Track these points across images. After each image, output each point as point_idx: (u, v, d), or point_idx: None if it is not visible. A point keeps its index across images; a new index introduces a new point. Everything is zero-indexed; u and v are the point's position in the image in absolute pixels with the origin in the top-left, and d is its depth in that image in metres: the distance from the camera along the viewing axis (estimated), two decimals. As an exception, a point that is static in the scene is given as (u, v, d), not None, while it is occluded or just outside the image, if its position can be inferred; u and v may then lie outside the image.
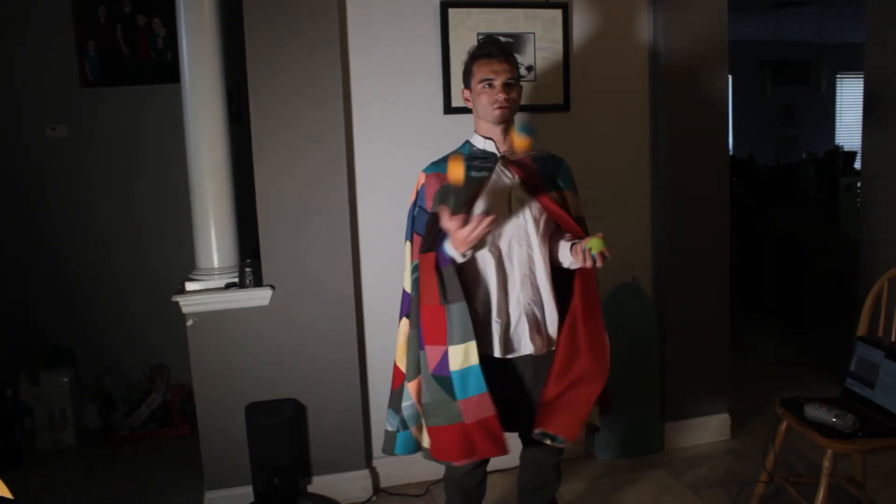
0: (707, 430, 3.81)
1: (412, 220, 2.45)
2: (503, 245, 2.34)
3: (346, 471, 3.37)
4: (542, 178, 2.41)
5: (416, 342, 2.38)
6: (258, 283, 3.18)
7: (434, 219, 2.32)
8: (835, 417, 2.63)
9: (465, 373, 2.25)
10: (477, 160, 2.39)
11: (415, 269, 2.39)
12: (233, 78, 3.27)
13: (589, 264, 2.23)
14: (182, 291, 3.16)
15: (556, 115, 3.48)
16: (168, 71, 4.25)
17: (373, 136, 3.32)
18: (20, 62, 4.31)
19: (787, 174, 7.45)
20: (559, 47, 3.44)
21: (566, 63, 3.47)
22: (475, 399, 2.26)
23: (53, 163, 4.39)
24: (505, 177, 2.37)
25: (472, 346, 2.24)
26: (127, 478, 3.75)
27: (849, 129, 10.56)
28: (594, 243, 2.20)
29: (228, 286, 3.19)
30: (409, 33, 3.31)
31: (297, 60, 3.13)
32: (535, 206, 2.35)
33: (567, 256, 2.35)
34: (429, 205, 2.38)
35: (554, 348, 2.39)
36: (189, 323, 3.15)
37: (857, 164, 5.80)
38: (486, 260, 2.33)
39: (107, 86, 4.40)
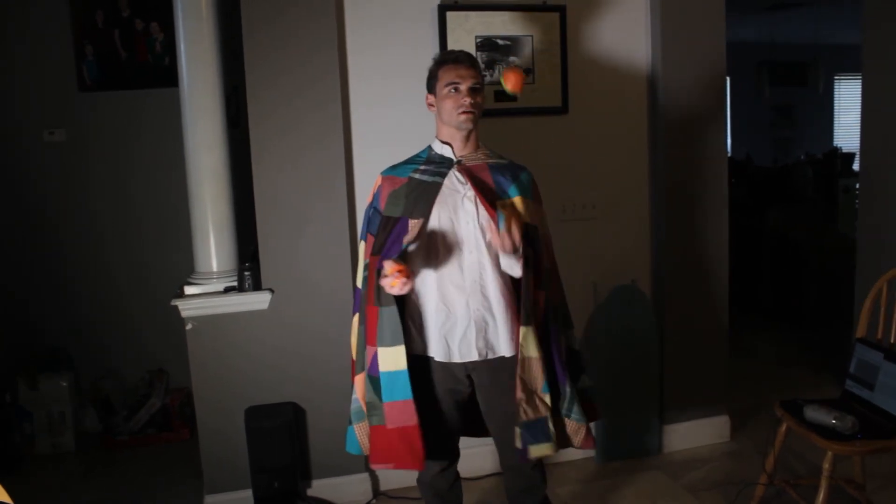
0: (706, 432, 3.81)
1: (367, 221, 2.47)
2: (453, 252, 2.34)
3: (345, 474, 3.37)
4: (494, 185, 2.39)
5: (363, 338, 2.41)
6: (257, 286, 3.18)
7: (387, 221, 2.36)
8: (834, 419, 2.64)
9: (392, 376, 2.29)
10: (433, 164, 2.41)
11: (365, 267, 2.43)
12: (231, 81, 3.27)
13: (500, 246, 2.21)
14: (181, 295, 3.17)
15: (554, 118, 3.49)
16: (166, 75, 4.25)
17: (372, 139, 3.32)
18: (18, 66, 4.31)
19: (784, 175, 7.46)
20: (557, 50, 3.44)
21: (564, 66, 3.47)
22: (399, 404, 2.28)
23: (52, 167, 4.39)
24: (458, 183, 2.37)
25: (401, 350, 2.27)
26: (126, 482, 3.75)
27: (847, 130, 10.57)
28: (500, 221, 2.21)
29: (227, 290, 3.19)
30: (407, 36, 3.32)
31: (296, 63, 3.13)
32: (484, 212, 2.34)
33: (505, 266, 2.35)
34: (382, 207, 2.40)
35: (502, 355, 2.37)
36: (188, 327, 3.15)
37: (856, 166, 5.81)
38: (435, 266, 2.34)
39: (105, 90, 4.40)
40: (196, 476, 3.41)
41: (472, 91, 2.35)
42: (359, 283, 2.49)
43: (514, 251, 2.23)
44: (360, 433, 2.46)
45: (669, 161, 3.60)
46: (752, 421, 4.00)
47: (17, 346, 4.39)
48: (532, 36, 3.41)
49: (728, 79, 3.77)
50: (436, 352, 2.37)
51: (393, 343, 2.28)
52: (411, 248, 2.30)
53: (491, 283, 2.35)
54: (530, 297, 2.32)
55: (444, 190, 2.35)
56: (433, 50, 3.32)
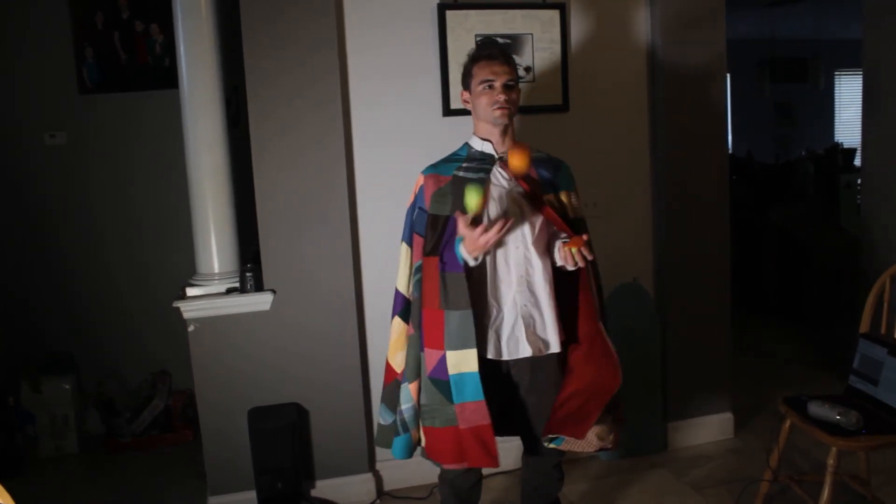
0: (710, 430, 3.81)
1: (411, 222, 2.45)
2: (499, 247, 2.33)
3: (349, 474, 3.36)
4: (539, 180, 2.41)
5: (418, 344, 2.38)
6: (259, 287, 3.18)
7: (435, 220, 2.33)
8: (838, 415, 2.63)
9: (461, 378, 2.26)
10: (475, 161, 2.39)
11: (417, 269, 2.39)
12: (231, 82, 3.27)
13: (571, 264, 2.24)
14: (183, 297, 3.16)
15: (554, 116, 3.48)
16: (166, 76, 4.26)
17: (372, 139, 3.31)
18: (19, 69, 4.31)
19: (786, 172, 7.46)
20: (557, 48, 3.44)
21: (564, 63, 3.46)
22: (471, 405, 2.26)
23: (52, 169, 4.38)
24: (502, 179, 2.37)
25: (472, 353, 2.25)
26: (130, 484, 3.75)
27: (847, 125, 10.56)
28: (573, 243, 2.22)
29: (229, 291, 3.19)
30: (407, 35, 3.31)
31: (296, 63, 3.13)
32: (531, 207, 2.35)
33: (558, 257, 2.35)
34: (427, 205, 2.38)
35: (552, 352, 2.38)
36: (190, 328, 3.15)
37: (857, 161, 5.80)
38: (482, 262, 2.32)
39: (105, 92, 4.40)
40: (199, 477, 3.41)
41: (507, 87, 2.34)
42: (400, 287, 2.47)
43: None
44: (415, 436, 2.46)
45: (671, 159, 3.60)
46: (756, 418, 4.00)
47: (20, 349, 4.39)
48: (532, 34, 3.40)
49: (728, 76, 3.76)
50: (486, 349, 2.35)
51: (463, 346, 2.25)
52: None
53: (538, 279, 2.35)
54: (598, 294, 2.40)
55: (493, 189, 2.34)
56: (433, 49, 3.31)
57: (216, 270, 3.23)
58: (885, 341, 2.87)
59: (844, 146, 8.57)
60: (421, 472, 3.37)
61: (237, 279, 3.21)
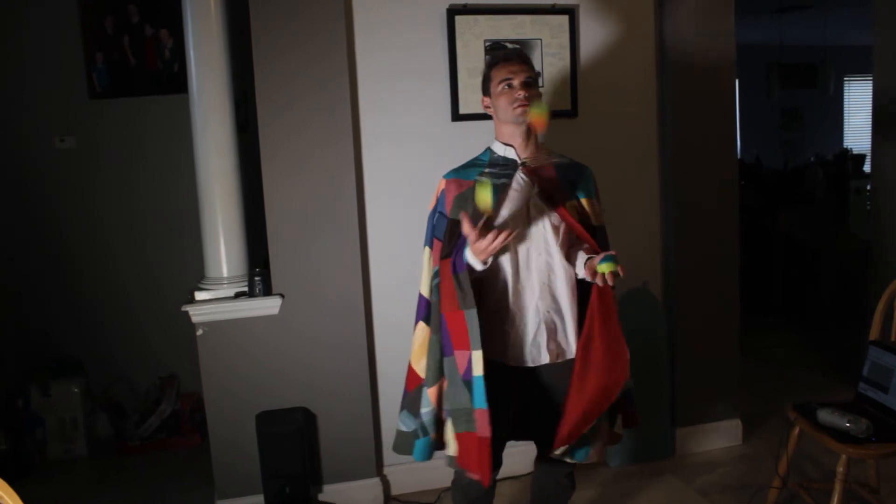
0: (718, 436, 3.79)
1: (432, 226, 2.44)
2: (521, 253, 2.32)
3: (356, 479, 3.36)
4: (561, 186, 2.39)
5: (438, 348, 2.37)
6: (268, 291, 3.18)
7: (454, 224, 2.33)
8: (848, 422, 2.62)
9: (478, 381, 2.23)
10: (497, 167, 2.38)
11: (436, 274, 2.39)
12: (240, 86, 3.28)
13: (600, 283, 2.20)
14: (191, 301, 3.17)
15: (564, 122, 3.47)
16: (175, 81, 4.28)
17: (381, 143, 3.32)
18: (28, 73, 4.33)
19: (795, 177, 7.43)
20: (566, 53, 3.44)
21: (574, 69, 3.46)
22: (478, 412, 2.23)
23: (62, 174, 4.40)
24: (525, 184, 2.35)
25: (479, 354, 2.22)
26: (138, 487, 3.76)
27: (857, 131, 10.53)
28: (605, 266, 2.16)
29: (238, 295, 3.20)
30: (416, 40, 3.32)
31: (305, 67, 3.14)
32: (554, 214, 2.34)
33: (581, 269, 2.33)
34: (448, 210, 2.37)
35: (571, 358, 2.36)
36: (199, 332, 3.15)
37: (867, 167, 5.78)
38: (504, 268, 2.32)
39: (115, 97, 4.41)
40: (207, 481, 3.41)
41: (526, 85, 2.32)
42: (424, 291, 2.46)
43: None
44: (436, 440, 2.44)
45: (679, 163, 3.59)
46: (765, 424, 3.98)
47: (29, 353, 4.40)
48: (541, 39, 3.40)
49: (737, 81, 3.75)
50: (506, 355, 2.34)
51: (476, 347, 2.22)
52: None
53: (560, 285, 2.34)
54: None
55: (512, 193, 2.32)
56: (442, 53, 3.32)
57: (225, 274, 3.23)
58: (895, 349, 2.85)
59: (854, 152, 8.53)
60: (428, 477, 3.37)
61: (246, 283, 3.21)
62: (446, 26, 3.30)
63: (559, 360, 2.36)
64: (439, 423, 2.43)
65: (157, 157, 4.47)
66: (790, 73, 8.99)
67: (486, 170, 2.37)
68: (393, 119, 3.32)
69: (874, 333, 2.98)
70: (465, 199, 2.34)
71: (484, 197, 2.17)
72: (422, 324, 2.47)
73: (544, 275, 2.33)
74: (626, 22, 3.55)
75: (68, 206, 4.43)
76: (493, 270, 2.31)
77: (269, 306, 3.18)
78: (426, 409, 2.42)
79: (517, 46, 3.33)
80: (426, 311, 2.45)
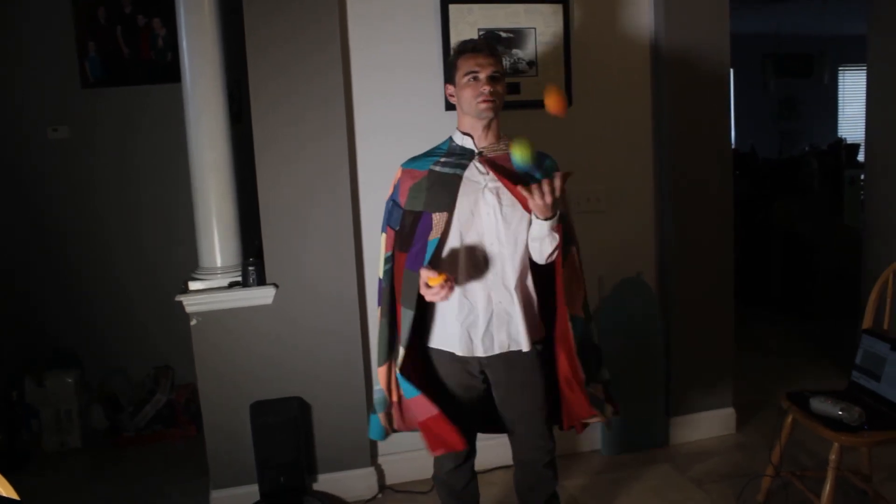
0: (712, 425, 3.81)
1: (388, 214, 2.46)
2: (474, 243, 2.32)
3: (351, 468, 3.37)
4: (517, 174, 2.33)
5: (387, 329, 2.42)
6: (261, 281, 3.18)
7: (411, 217, 2.34)
8: (841, 410, 2.63)
9: (399, 377, 2.34)
10: (454, 156, 2.37)
11: (388, 259, 2.43)
12: (234, 76, 3.26)
13: (538, 199, 2.15)
14: (185, 291, 3.17)
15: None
16: (168, 71, 4.26)
17: (374, 134, 3.31)
18: (21, 63, 4.31)
19: (789, 167, 7.43)
20: (560, 42, 3.43)
21: (567, 57, 3.45)
22: (414, 400, 2.33)
23: (55, 164, 4.39)
24: (479, 174, 2.34)
25: (402, 351, 2.32)
26: (133, 478, 3.76)
27: (851, 121, 10.53)
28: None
29: (232, 285, 3.20)
30: (410, 30, 3.30)
31: (298, 58, 3.12)
32: (508, 204, 2.31)
33: (534, 249, 2.32)
34: (402, 200, 2.38)
35: (524, 350, 2.36)
36: (193, 322, 3.15)
37: (861, 157, 5.79)
38: (457, 259, 2.32)
39: (107, 86, 4.40)
40: (202, 472, 3.41)
41: (492, 79, 2.29)
42: (380, 274, 2.49)
43: (554, 207, 2.18)
44: (384, 421, 2.51)
45: (674, 153, 3.59)
46: (759, 413, 4.00)
47: (24, 344, 4.40)
48: (535, 28, 3.39)
49: (732, 70, 3.75)
50: (457, 346, 2.35)
51: (403, 344, 2.32)
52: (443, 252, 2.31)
53: (512, 276, 2.33)
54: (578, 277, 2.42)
55: (465, 182, 2.32)
56: (436, 44, 3.31)
57: (219, 264, 3.23)
58: (887, 337, 2.86)
59: (848, 142, 8.55)
60: (423, 466, 3.37)
61: (240, 273, 3.21)
62: (440, 16, 3.29)
63: (512, 350, 2.37)
64: (387, 403, 2.49)
65: (151, 147, 4.46)
66: (785, 63, 9.00)
67: (442, 159, 2.37)
68: (386, 109, 3.31)
69: (867, 322, 2.99)
70: (420, 189, 2.35)
71: (519, 153, 2.17)
72: (380, 308, 2.50)
73: (497, 266, 2.32)
74: (620, 10, 3.55)
75: (62, 196, 4.42)
76: (446, 262, 2.32)
77: (262, 296, 3.18)
78: (377, 388, 2.50)
79: (511, 35, 3.33)
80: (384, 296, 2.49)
